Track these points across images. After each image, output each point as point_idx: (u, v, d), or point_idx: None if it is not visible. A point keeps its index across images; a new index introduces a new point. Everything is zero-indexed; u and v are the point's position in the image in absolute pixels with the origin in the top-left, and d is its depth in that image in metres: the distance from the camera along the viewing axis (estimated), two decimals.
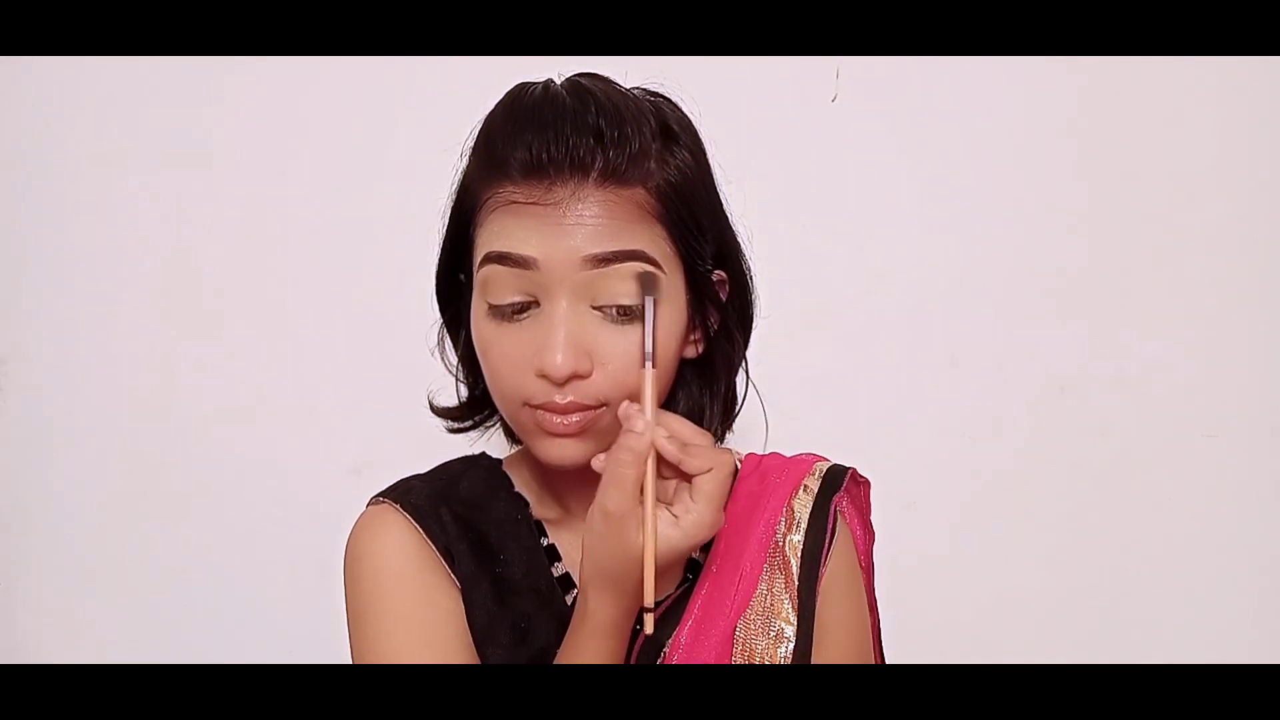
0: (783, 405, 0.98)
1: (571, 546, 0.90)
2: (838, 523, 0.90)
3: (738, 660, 0.84)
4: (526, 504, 0.93)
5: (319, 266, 1.39)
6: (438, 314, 0.92)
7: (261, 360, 1.39)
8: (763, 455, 0.95)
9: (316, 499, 1.36)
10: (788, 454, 0.95)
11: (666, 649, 0.85)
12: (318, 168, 1.38)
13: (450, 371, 0.94)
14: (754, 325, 0.93)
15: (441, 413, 0.95)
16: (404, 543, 0.89)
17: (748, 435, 0.98)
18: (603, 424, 0.82)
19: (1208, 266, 1.35)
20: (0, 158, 1.41)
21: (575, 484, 0.89)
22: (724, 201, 0.89)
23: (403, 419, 1.05)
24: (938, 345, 1.36)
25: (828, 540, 0.88)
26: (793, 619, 0.85)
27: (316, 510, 1.34)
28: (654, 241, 0.81)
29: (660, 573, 0.78)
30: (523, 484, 0.95)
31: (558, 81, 0.84)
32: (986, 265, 1.36)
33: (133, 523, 1.41)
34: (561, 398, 0.81)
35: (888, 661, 0.99)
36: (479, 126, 0.85)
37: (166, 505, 1.41)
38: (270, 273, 1.39)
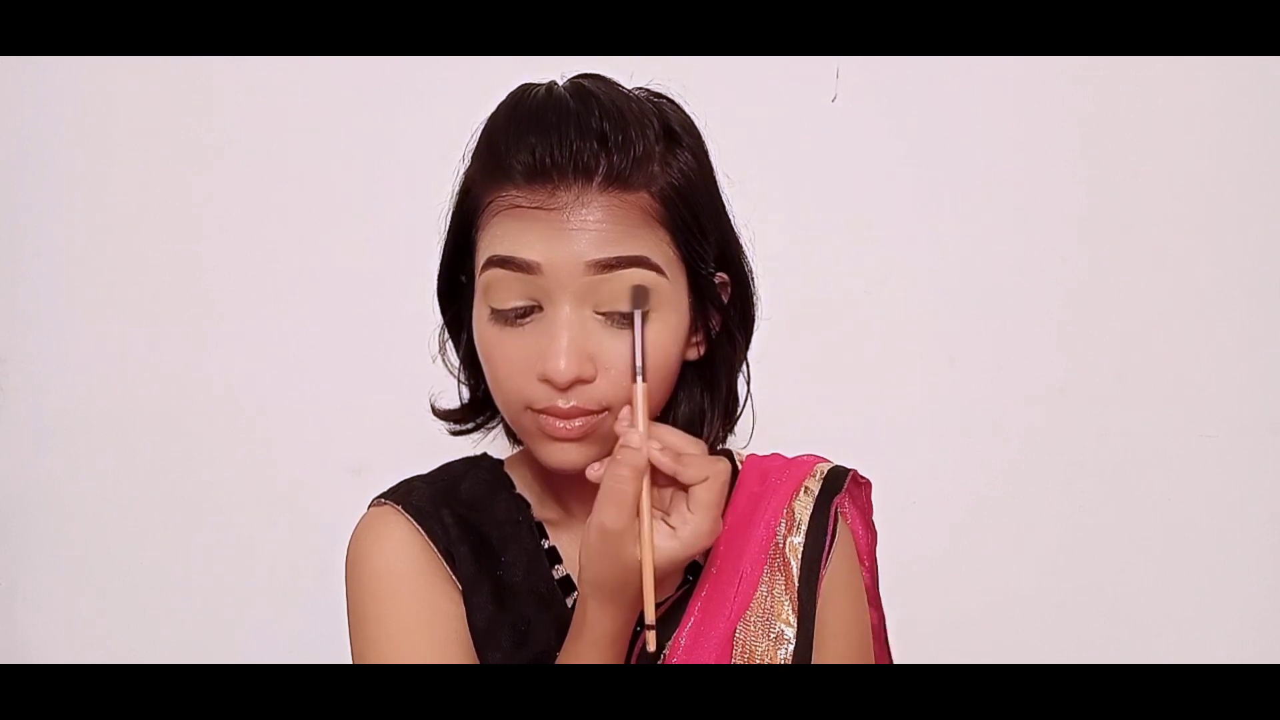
0: (783, 405, 0.98)
1: (572, 548, 0.89)
2: (838, 524, 0.90)
3: (738, 662, 0.84)
4: (528, 505, 0.93)
5: (320, 267, 1.38)
6: (439, 315, 0.92)
7: (262, 360, 1.39)
8: (764, 456, 0.95)
9: (317, 499, 1.36)
10: (789, 454, 0.95)
11: (666, 651, 0.85)
12: (319, 168, 1.37)
13: (452, 374, 0.94)
14: (755, 326, 0.93)
15: (443, 415, 0.95)
16: (405, 544, 0.89)
17: (747, 435, 0.98)
18: (605, 428, 0.82)
19: (1208, 266, 1.35)
20: (0, 158, 1.40)
21: (576, 486, 0.88)
22: (726, 202, 0.89)
23: (403, 419, 1.05)
24: (937, 345, 1.36)
25: (828, 542, 0.88)
26: (793, 621, 0.85)
27: (317, 511, 1.34)
28: (657, 246, 0.81)
29: (659, 581, 0.77)
30: (524, 485, 0.94)
31: (560, 83, 0.84)
32: (986, 265, 1.36)
33: (133, 523, 1.41)
34: (564, 402, 0.81)
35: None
36: (481, 128, 0.84)
37: (166, 505, 1.41)
38: (271, 273, 1.39)
